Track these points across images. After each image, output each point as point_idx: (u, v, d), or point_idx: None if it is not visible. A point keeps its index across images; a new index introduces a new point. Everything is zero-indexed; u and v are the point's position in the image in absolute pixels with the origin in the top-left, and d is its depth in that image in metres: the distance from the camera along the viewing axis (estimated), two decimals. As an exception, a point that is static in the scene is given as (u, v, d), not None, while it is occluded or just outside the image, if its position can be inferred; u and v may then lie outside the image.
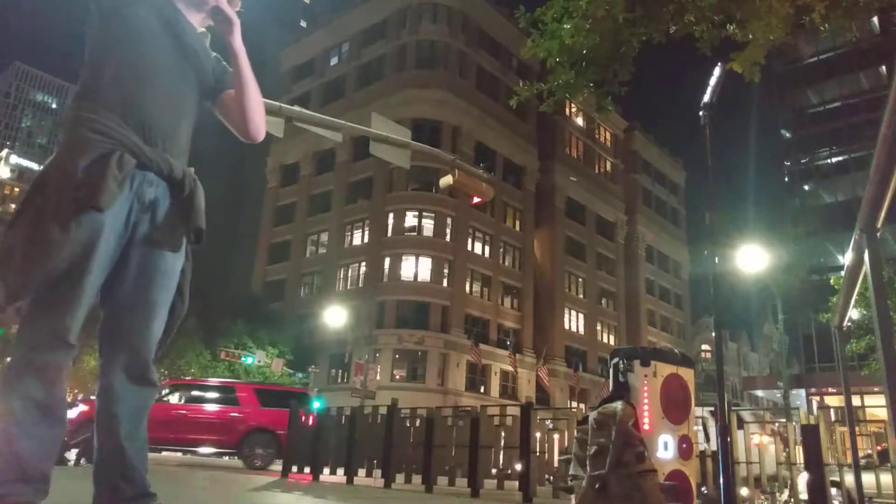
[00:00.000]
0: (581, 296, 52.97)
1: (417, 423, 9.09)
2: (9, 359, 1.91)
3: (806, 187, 39.59)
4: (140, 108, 1.97)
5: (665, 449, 3.59)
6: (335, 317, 33.99)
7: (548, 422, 8.26)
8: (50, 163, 1.94)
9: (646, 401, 3.60)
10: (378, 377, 32.40)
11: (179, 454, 14.59)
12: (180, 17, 2.12)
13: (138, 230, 1.98)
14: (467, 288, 43.44)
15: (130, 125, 1.94)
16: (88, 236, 1.85)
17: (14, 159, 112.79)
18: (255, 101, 2.17)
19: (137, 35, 1.99)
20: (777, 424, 11.69)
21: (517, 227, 48.66)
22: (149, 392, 2.03)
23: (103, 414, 1.97)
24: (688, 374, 3.84)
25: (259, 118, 2.20)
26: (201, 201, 2.09)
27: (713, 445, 8.32)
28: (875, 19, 31.88)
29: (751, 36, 5.48)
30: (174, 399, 12.93)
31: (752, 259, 17.43)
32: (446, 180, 11.71)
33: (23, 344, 1.86)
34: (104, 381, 1.98)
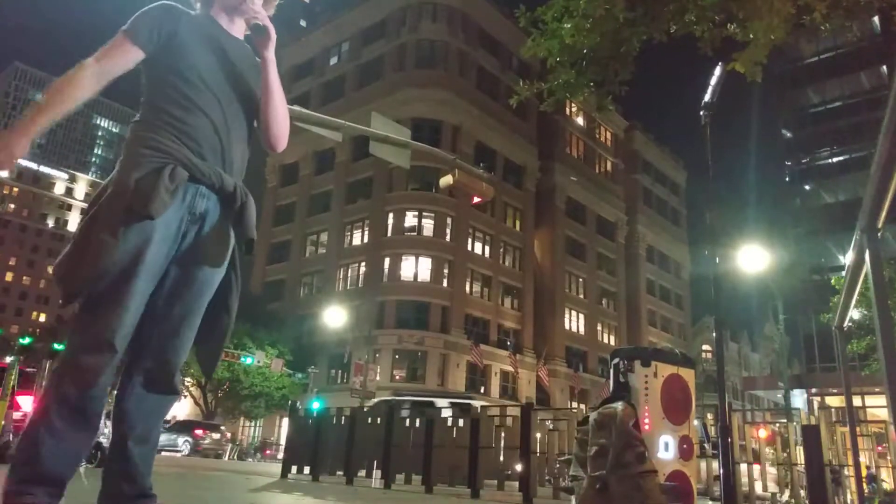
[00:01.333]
0: (581, 296, 52.95)
1: (417, 424, 9.09)
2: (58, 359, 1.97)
3: (807, 187, 39.56)
4: (192, 128, 2.05)
5: (666, 449, 3.58)
6: (335, 317, 33.99)
7: (548, 422, 8.26)
8: (109, 179, 2.04)
9: (646, 401, 3.59)
10: (378, 377, 32.40)
11: (179, 455, 14.58)
12: (225, 38, 2.19)
13: (186, 240, 2.04)
14: (467, 288, 43.43)
15: (184, 143, 2.02)
16: (138, 242, 1.91)
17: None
18: (279, 112, 2.21)
19: (188, 64, 2.07)
20: (777, 425, 11.70)
21: (517, 227, 48.64)
22: (169, 399, 2.06)
23: (118, 414, 1.99)
24: (688, 375, 3.83)
25: (280, 129, 2.24)
26: (252, 213, 2.16)
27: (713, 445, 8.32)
28: (875, 19, 31.85)
29: (752, 35, 5.46)
30: None
31: (752, 259, 17.42)
32: (446, 180, 11.72)
33: (69, 346, 1.91)
34: (125, 381, 2.00)
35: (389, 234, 42.65)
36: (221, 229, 2.09)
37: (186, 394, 38.67)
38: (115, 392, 2.01)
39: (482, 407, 9.13)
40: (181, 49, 2.07)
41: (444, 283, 42.05)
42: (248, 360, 33.48)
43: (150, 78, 2.10)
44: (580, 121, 55.37)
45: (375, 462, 9.22)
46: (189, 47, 2.07)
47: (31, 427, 1.84)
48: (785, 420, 16.80)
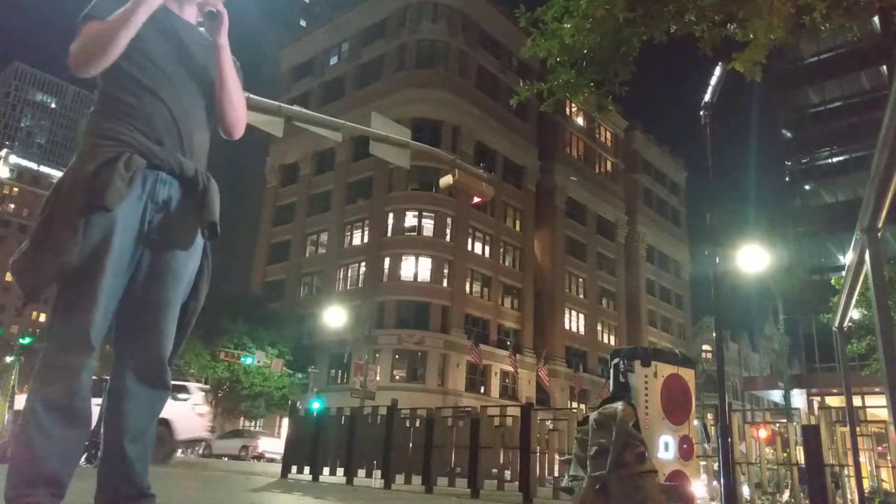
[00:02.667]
0: (581, 296, 52.94)
1: (417, 424, 9.09)
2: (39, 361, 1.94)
3: (807, 187, 39.52)
4: (148, 115, 2.02)
5: (666, 449, 3.58)
6: (335, 317, 33.98)
7: (548, 422, 8.26)
8: (65, 171, 2.00)
9: (646, 401, 3.59)
10: (378, 377, 32.39)
11: (179, 453, 14.67)
12: (178, 24, 2.16)
13: (152, 228, 2.01)
14: (467, 288, 43.42)
15: (140, 130, 1.99)
16: (100, 235, 1.89)
17: (13, 159, 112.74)
18: (234, 98, 2.17)
19: (141, 51, 2.04)
20: (777, 425, 11.69)
21: (517, 227, 48.63)
22: (160, 394, 2.02)
23: (111, 413, 1.97)
24: (688, 375, 3.83)
25: (235, 116, 2.20)
26: (215, 197, 2.11)
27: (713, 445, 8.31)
28: (875, 19, 31.85)
29: (752, 35, 5.46)
30: None
31: (752, 259, 17.42)
32: (446, 180, 11.70)
33: (47, 346, 1.90)
34: (115, 380, 1.99)
35: (389, 234, 42.64)
36: (186, 215, 2.05)
37: (186, 394, 38.71)
38: (107, 392, 2.00)
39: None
40: (139, 40, 2.02)
41: (444, 283, 42.05)
42: (248, 360, 33.48)
43: (107, 70, 2.04)
44: (580, 121, 55.35)
45: (375, 462, 9.22)
46: (141, 33, 2.03)
47: (23, 430, 1.84)
48: (785, 420, 16.79)
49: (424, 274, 41.95)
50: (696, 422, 4.87)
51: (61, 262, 1.85)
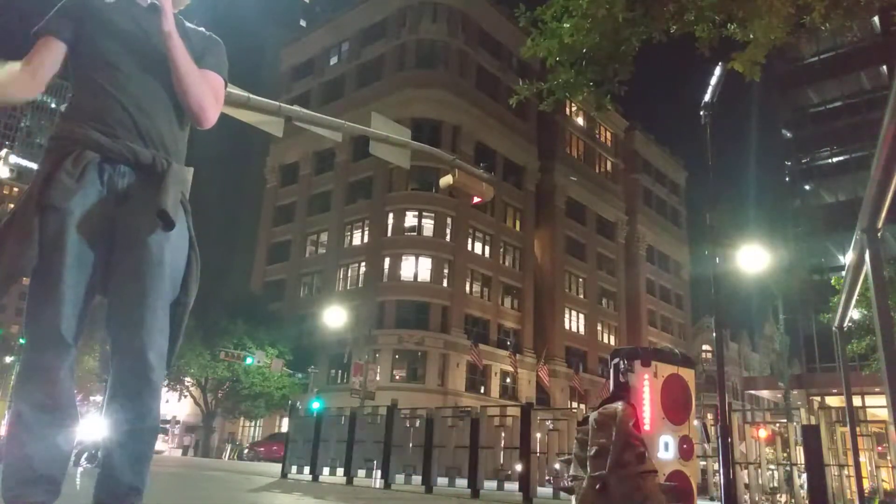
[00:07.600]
0: (581, 296, 52.95)
1: (417, 424, 9.10)
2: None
3: (807, 187, 39.54)
4: (100, 110, 2.01)
5: (666, 449, 3.58)
6: (335, 317, 33.99)
7: (548, 422, 8.26)
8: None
9: (646, 401, 3.59)
10: (378, 377, 32.41)
11: (179, 454, 14.67)
12: (138, 12, 2.13)
13: (117, 221, 1.99)
14: (467, 288, 43.43)
15: (92, 125, 2.00)
16: (56, 234, 1.89)
17: (13, 159, 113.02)
18: (190, 84, 2.09)
19: (95, 49, 2.05)
20: (777, 425, 11.69)
21: (517, 227, 48.64)
22: (149, 393, 1.96)
23: (106, 413, 1.98)
24: (688, 375, 3.83)
25: (194, 103, 2.11)
26: (171, 185, 2.02)
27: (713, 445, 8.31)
28: (875, 19, 31.84)
29: (751, 35, 5.47)
30: None
31: (752, 259, 17.42)
32: (446, 180, 11.70)
33: (25, 347, 1.91)
34: (110, 379, 1.99)
35: (389, 234, 42.65)
36: (148, 204, 1.99)
37: (186, 394, 38.72)
38: (107, 389, 2.00)
39: (482, 406, 9.15)
40: (89, 36, 2.05)
41: (444, 283, 42.05)
42: (249, 360, 33.49)
43: (70, 74, 2.08)
44: (580, 121, 55.37)
45: (375, 462, 9.22)
46: (96, 32, 2.04)
47: (12, 431, 1.85)
48: (785, 420, 16.80)
49: (424, 274, 41.95)
50: (696, 422, 4.87)
51: (18, 267, 1.85)
